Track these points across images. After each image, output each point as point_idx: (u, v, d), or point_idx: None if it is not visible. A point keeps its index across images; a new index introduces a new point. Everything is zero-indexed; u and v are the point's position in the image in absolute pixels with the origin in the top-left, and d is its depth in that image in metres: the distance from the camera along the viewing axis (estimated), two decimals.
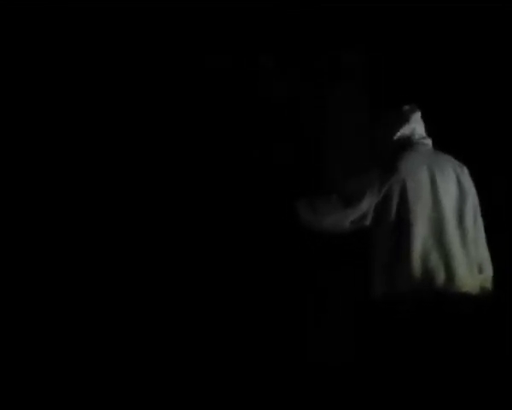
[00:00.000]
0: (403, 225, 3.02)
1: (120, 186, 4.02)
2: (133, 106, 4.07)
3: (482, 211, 3.19)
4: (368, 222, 3.07)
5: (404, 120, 3.18)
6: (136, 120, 4.07)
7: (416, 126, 3.19)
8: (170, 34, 4.08)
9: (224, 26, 4.05)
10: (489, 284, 3.17)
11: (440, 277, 2.98)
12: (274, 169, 4.07)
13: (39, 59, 4.04)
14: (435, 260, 2.99)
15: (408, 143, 3.15)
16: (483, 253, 3.17)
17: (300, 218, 3.13)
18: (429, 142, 3.21)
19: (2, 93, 4.01)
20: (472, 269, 3.06)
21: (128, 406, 3.69)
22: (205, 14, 4.06)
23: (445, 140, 3.25)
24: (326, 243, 3.77)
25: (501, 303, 3.39)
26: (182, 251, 4.00)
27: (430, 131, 3.24)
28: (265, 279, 3.98)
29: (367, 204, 3.04)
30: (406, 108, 3.21)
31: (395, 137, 3.17)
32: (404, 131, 3.17)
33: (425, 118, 3.24)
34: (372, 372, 3.07)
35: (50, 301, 3.89)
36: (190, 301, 3.95)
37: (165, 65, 4.09)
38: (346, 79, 4.11)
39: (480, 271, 3.14)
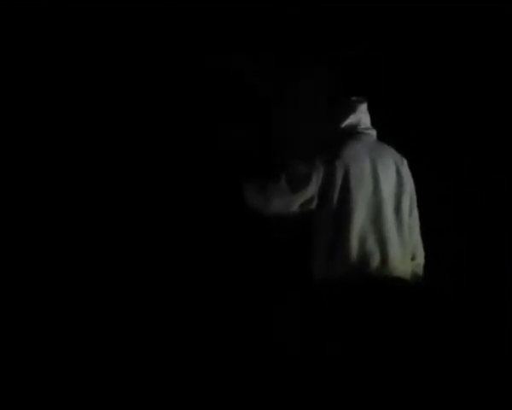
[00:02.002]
0: (343, 210, 3.10)
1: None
2: (132, 105, 4.04)
3: (418, 201, 3.31)
4: (314, 206, 3.15)
5: (352, 109, 3.26)
6: (135, 119, 4.04)
7: (362, 117, 3.27)
8: (170, 34, 4.05)
9: (224, 26, 4.05)
10: (420, 271, 3.30)
11: (375, 259, 3.08)
12: (223, 151, 4.09)
13: (39, 59, 3.98)
14: (371, 244, 3.09)
15: (354, 132, 3.24)
16: (416, 241, 3.30)
17: (247, 200, 3.16)
18: (374, 132, 3.29)
19: (2, 93, 3.95)
20: (405, 254, 3.18)
21: (126, 405, 3.71)
22: (205, 14, 4.04)
23: (389, 132, 3.35)
24: (272, 227, 3.86)
25: (431, 291, 3.56)
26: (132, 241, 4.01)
27: (375, 123, 3.33)
28: (212, 263, 4.00)
29: (313, 188, 3.12)
30: (354, 98, 3.30)
31: (342, 126, 3.26)
32: (350, 120, 3.26)
33: (371, 110, 3.32)
34: (315, 359, 3.13)
35: (50, 301, 3.86)
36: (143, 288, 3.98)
37: (164, 65, 4.06)
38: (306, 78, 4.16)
39: (413, 257, 3.27)
